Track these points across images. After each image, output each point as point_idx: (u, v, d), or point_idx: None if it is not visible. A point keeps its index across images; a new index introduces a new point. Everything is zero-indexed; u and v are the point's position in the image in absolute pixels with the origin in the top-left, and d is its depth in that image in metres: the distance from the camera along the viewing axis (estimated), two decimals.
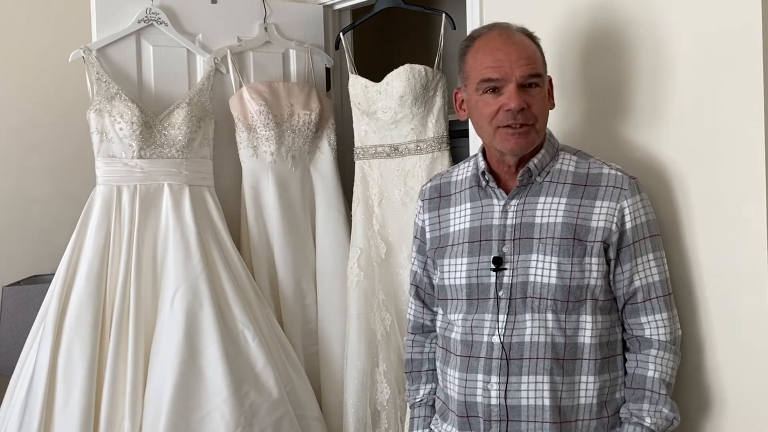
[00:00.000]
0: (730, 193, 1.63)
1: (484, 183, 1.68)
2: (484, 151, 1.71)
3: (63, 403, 2.08)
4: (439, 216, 1.76)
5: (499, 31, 1.62)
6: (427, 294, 1.84)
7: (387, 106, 2.34)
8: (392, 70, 2.33)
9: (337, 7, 2.81)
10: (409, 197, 2.34)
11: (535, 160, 1.63)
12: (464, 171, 1.77)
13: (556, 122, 1.93)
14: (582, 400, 1.57)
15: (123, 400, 2.12)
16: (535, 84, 1.59)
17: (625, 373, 1.63)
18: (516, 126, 1.57)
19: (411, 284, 1.88)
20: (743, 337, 1.62)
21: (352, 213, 2.50)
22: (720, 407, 1.68)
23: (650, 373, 1.58)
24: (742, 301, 1.62)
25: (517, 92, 1.56)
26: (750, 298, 1.61)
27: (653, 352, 1.59)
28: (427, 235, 1.79)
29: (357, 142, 2.49)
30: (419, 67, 2.29)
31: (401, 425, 2.34)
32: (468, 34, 1.70)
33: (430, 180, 1.86)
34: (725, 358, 1.66)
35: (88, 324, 2.14)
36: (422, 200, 1.83)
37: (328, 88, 2.88)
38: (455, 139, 2.41)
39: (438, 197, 1.79)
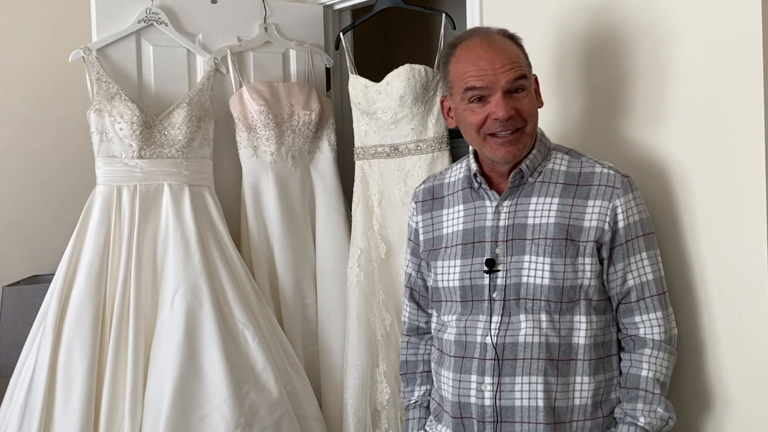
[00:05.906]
0: (731, 192, 1.63)
1: (476, 185, 1.67)
2: (476, 153, 1.69)
3: (63, 403, 2.08)
4: (432, 218, 1.75)
5: (479, 38, 1.59)
6: (421, 296, 1.84)
7: (387, 106, 2.34)
8: (392, 70, 2.32)
9: (337, 7, 2.81)
10: (409, 197, 2.34)
11: (527, 161, 1.61)
12: (457, 173, 1.76)
13: (555, 121, 1.93)
14: (576, 401, 1.56)
15: (123, 400, 2.11)
16: (521, 88, 1.56)
17: (621, 373, 1.62)
18: (506, 135, 1.56)
19: (405, 286, 1.88)
20: (744, 336, 1.62)
21: (352, 213, 2.50)
22: (722, 407, 1.68)
23: (644, 373, 1.57)
24: (743, 299, 1.62)
25: (504, 100, 1.54)
26: (750, 297, 1.61)
27: (647, 351, 1.58)
28: (421, 237, 1.78)
29: (357, 142, 2.48)
30: (419, 67, 2.29)
31: (401, 425, 2.34)
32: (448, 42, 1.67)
33: (423, 182, 1.84)
34: (726, 358, 1.66)
35: (88, 324, 2.14)
36: (415, 202, 1.82)
37: (328, 88, 2.88)
38: (455, 139, 2.41)
39: (431, 199, 1.78)
